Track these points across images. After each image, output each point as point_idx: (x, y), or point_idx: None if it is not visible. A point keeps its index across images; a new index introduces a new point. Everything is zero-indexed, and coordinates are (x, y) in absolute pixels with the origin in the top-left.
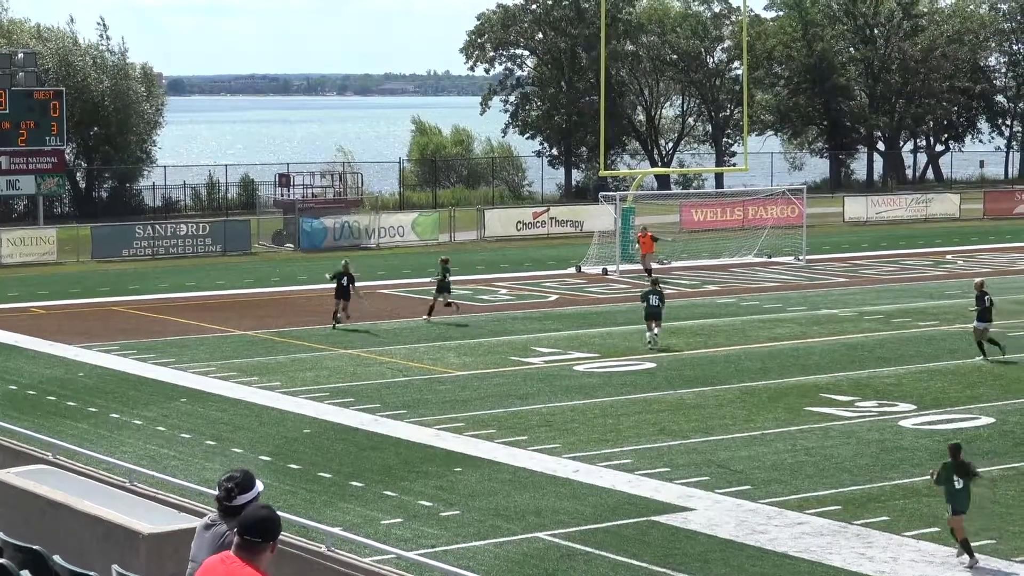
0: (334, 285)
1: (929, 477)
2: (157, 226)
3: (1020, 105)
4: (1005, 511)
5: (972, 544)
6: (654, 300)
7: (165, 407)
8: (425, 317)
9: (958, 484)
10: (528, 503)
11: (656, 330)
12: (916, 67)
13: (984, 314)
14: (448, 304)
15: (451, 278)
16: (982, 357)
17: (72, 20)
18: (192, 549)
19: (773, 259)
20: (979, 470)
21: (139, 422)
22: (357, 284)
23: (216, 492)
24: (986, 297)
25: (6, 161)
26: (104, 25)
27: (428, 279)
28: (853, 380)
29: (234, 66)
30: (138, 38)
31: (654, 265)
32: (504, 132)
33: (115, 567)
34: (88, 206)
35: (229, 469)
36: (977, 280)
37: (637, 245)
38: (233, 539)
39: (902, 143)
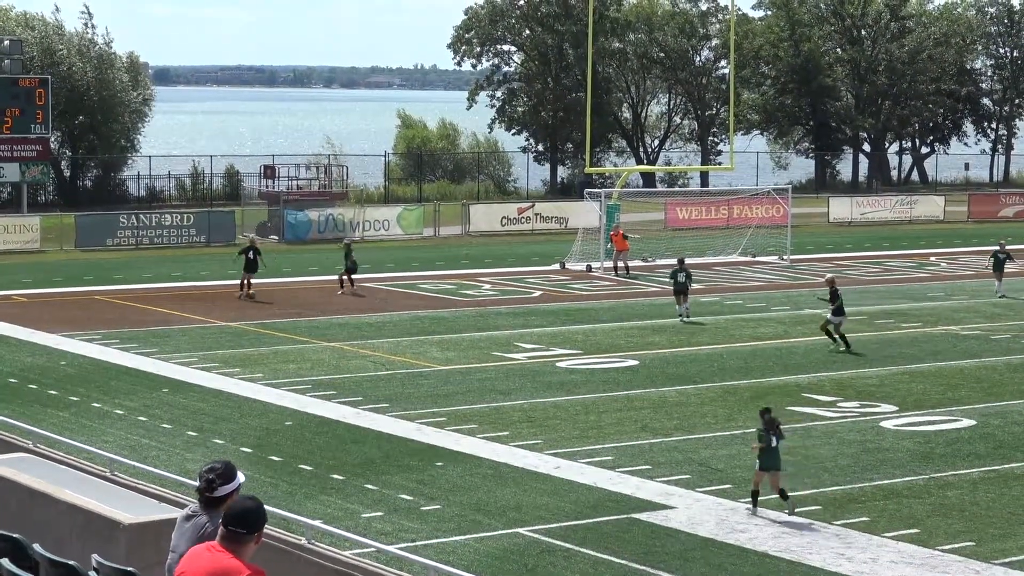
0: (243, 260)
1: (753, 451)
2: (141, 216)
3: (1006, 108)
4: (984, 513)
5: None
6: (681, 277)
7: (147, 397)
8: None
9: (773, 443)
10: (509, 499)
11: (686, 304)
12: (903, 69)
13: (839, 310)
14: (344, 284)
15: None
16: (835, 345)
17: (57, 9)
18: (172, 539)
19: (757, 258)
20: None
21: (120, 412)
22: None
23: (197, 483)
24: (840, 292)
25: None
26: (89, 14)
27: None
28: (835, 380)
29: (221, 57)
30: (125, 27)
31: (639, 262)
32: (490, 127)
33: (95, 556)
34: (72, 195)
35: (210, 460)
36: (828, 276)
37: (610, 244)
38: (213, 530)
39: (887, 144)
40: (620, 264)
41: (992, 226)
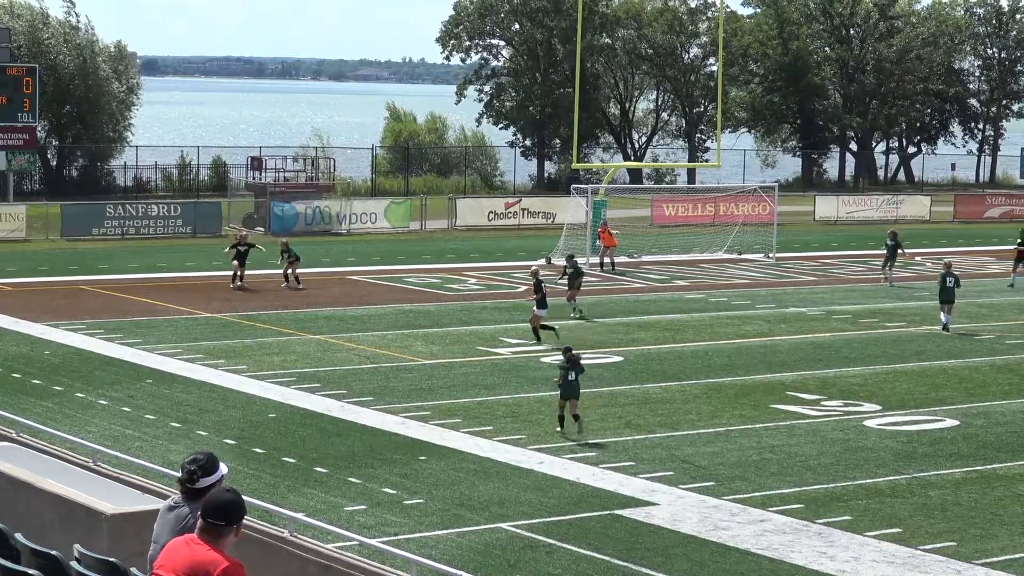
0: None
1: (554, 383)
2: (128, 206)
3: (993, 109)
4: (966, 513)
5: None
6: (570, 270)
7: (131, 388)
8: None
9: (571, 377)
10: (492, 493)
11: (574, 302)
12: (891, 68)
13: (542, 302)
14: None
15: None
16: (536, 342)
17: None
18: (155, 530)
19: (743, 256)
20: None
21: (104, 402)
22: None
23: (179, 474)
24: (543, 285)
25: None
26: (71, 2)
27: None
28: (819, 379)
29: (209, 48)
30: (114, 17)
31: (624, 258)
32: (478, 121)
33: (77, 546)
34: (59, 184)
35: (193, 451)
36: (533, 267)
37: (599, 241)
38: (195, 521)
39: (874, 144)
40: (607, 260)
41: (978, 227)
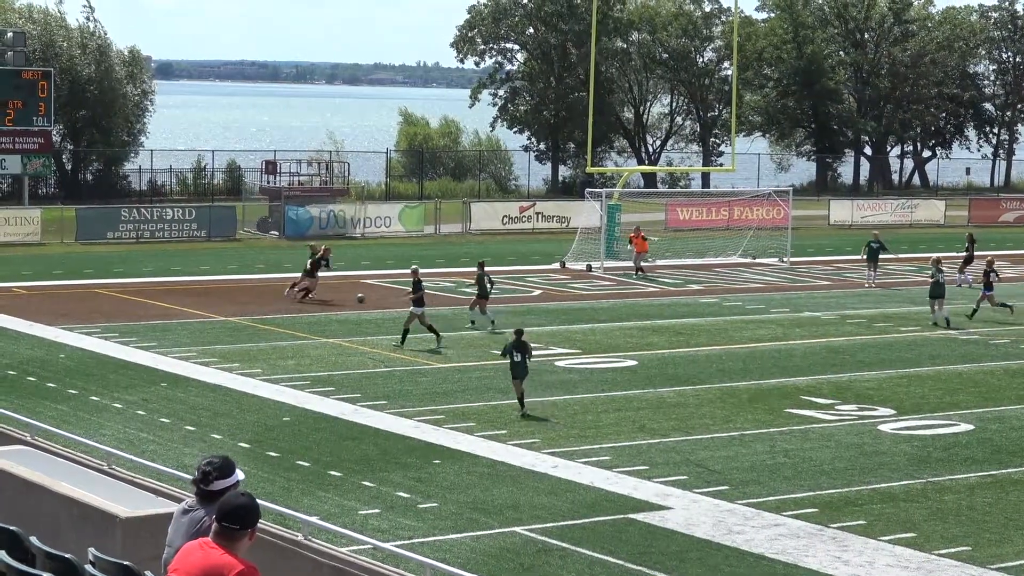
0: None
1: (503, 355)
2: (143, 210)
3: (1008, 113)
4: (981, 518)
5: None
6: (485, 282)
7: (145, 391)
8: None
9: (517, 358)
10: (506, 497)
11: (487, 313)
12: (905, 72)
13: (419, 301)
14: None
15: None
16: (399, 344)
17: (60, 1)
18: (169, 534)
19: (757, 260)
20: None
21: (119, 405)
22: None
23: (194, 475)
24: (420, 284)
25: None
26: (90, 7)
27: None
28: (834, 383)
29: (223, 52)
30: (128, 22)
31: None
32: (492, 126)
33: (92, 550)
34: (74, 188)
35: (209, 454)
36: (413, 266)
37: (630, 245)
38: (210, 525)
39: (889, 148)
40: (643, 264)
41: (993, 231)
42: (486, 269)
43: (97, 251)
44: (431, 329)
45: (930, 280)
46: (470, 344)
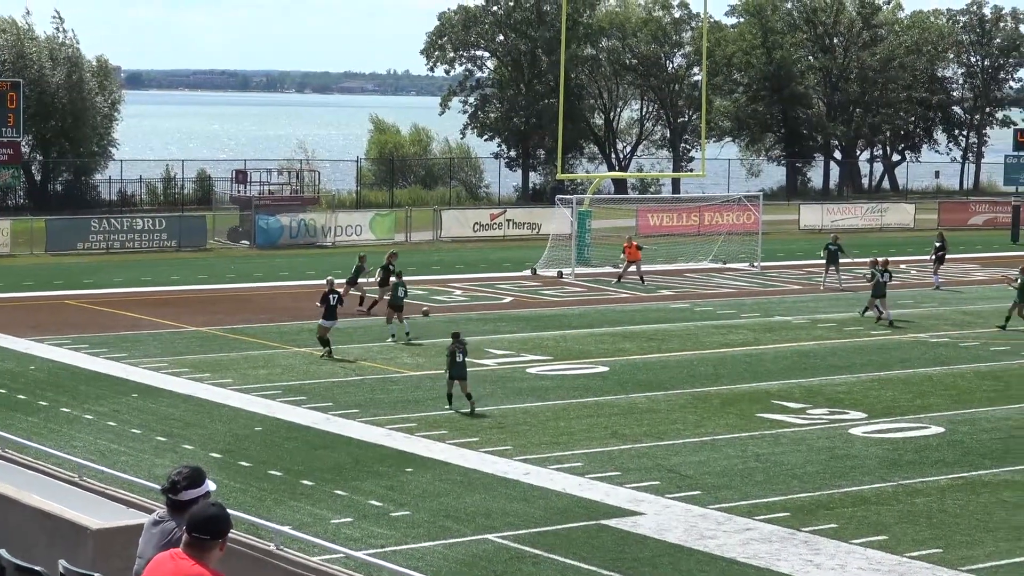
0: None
1: (447, 356)
2: (112, 220)
3: (976, 117)
4: (952, 520)
5: None
6: (400, 292)
7: (116, 402)
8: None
9: (459, 358)
10: (478, 505)
11: (404, 321)
12: (874, 77)
13: (330, 312)
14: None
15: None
16: (326, 354)
17: (28, 12)
18: (140, 545)
19: (728, 265)
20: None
21: (90, 417)
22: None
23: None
24: (333, 296)
25: None
26: (60, 18)
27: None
28: (805, 387)
29: (193, 61)
30: (96, 31)
31: (610, 268)
32: (463, 133)
33: (62, 562)
34: (43, 199)
35: (180, 465)
36: (329, 278)
37: (623, 255)
38: (181, 536)
39: (859, 152)
40: (632, 270)
41: (962, 234)
42: (404, 279)
43: (67, 262)
44: (327, 343)
45: (869, 282)
46: (440, 352)
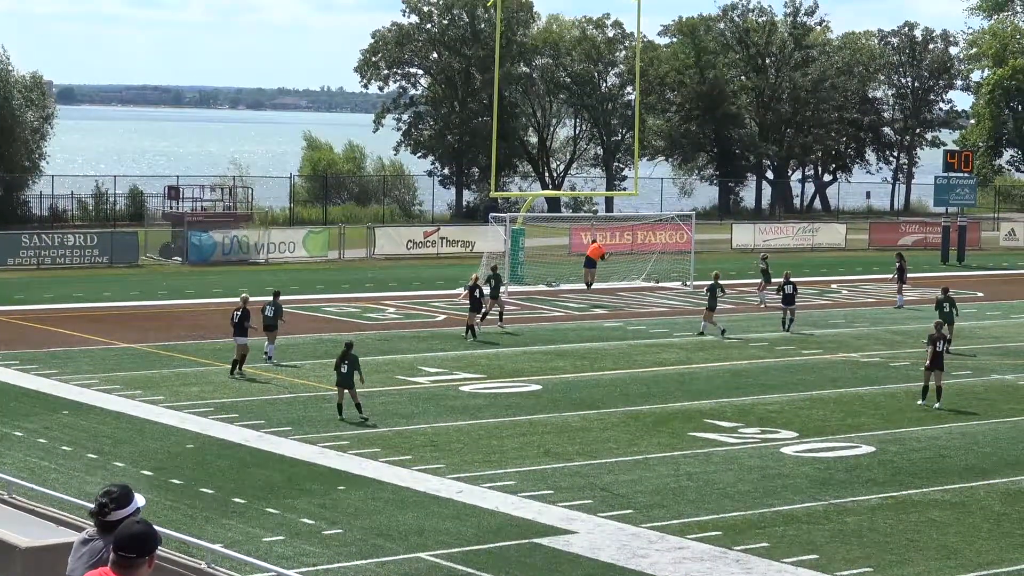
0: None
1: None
2: (43, 236)
3: (907, 138)
4: (882, 539)
5: None
6: (269, 311)
7: (47, 419)
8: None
9: (344, 369)
10: (411, 523)
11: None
12: (806, 97)
13: (238, 329)
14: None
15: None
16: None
17: None
18: (69, 564)
19: (661, 284)
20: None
21: (20, 434)
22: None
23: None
24: (236, 313)
25: None
26: None
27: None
28: (737, 406)
29: (126, 76)
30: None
31: (542, 287)
32: (396, 150)
33: None
34: None
35: (108, 484)
36: (243, 295)
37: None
38: (110, 555)
39: (790, 172)
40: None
41: (892, 254)
42: (280, 299)
43: None
44: (242, 361)
45: (778, 293)
46: (375, 370)
